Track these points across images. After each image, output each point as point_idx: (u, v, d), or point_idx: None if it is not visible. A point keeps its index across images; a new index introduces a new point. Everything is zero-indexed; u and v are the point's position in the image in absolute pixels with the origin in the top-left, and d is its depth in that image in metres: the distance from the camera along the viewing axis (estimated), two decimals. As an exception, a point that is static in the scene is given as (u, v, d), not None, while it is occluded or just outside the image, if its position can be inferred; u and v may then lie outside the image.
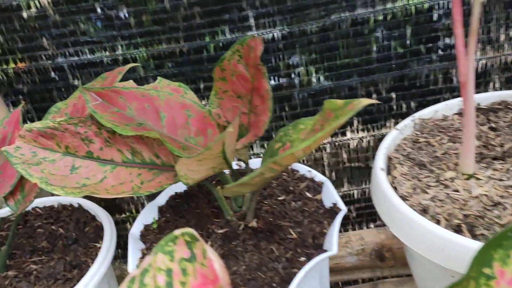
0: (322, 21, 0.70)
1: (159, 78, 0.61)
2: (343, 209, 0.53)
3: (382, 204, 0.49)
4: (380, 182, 0.50)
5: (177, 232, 0.30)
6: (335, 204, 0.55)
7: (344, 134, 0.79)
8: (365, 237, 0.71)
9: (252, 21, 0.71)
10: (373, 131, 0.79)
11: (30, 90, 0.79)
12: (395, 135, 0.58)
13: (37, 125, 0.47)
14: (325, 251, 0.49)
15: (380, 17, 0.70)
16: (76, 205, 0.68)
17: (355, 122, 0.78)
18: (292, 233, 0.53)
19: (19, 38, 0.74)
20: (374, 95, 0.76)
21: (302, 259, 0.49)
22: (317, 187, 0.59)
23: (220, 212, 0.58)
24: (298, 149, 0.37)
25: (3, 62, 0.76)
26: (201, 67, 0.75)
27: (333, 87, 0.75)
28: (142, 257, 0.54)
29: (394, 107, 0.77)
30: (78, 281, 0.55)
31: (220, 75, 0.52)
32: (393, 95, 0.76)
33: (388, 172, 0.53)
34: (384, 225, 0.84)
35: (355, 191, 0.83)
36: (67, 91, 0.79)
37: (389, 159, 0.55)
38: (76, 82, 0.78)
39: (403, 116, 0.78)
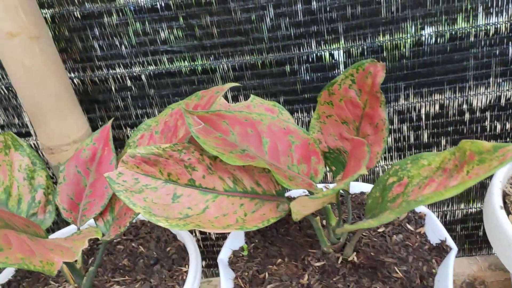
0: (417, 35, 0.66)
1: (252, 96, 0.58)
2: (454, 248, 0.49)
3: (507, 249, 0.45)
4: (503, 224, 0.45)
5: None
6: (443, 241, 0.51)
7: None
8: (455, 267, 0.67)
9: (341, 34, 0.67)
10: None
11: (106, 98, 0.77)
12: (509, 166, 0.53)
13: (140, 151, 0.45)
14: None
15: (482, 32, 0.65)
16: (155, 222, 0.66)
17: (443, 142, 0.74)
18: (397, 271, 0.49)
19: (98, 46, 0.73)
20: (467, 114, 0.71)
21: (414, 303, 0.45)
22: (418, 219, 0.55)
23: (314, 242, 0.55)
24: (448, 193, 0.33)
25: (80, 70, 0.75)
26: (282, 80, 0.72)
27: (422, 104, 0.71)
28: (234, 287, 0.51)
29: (487, 127, 0.72)
30: (166, 307, 0.53)
31: (326, 99, 0.49)
32: (487, 114, 0.71)
33: (507, 210, 0.48)
34: (473, 254, 0.80)
35: (436, 213, 0.79)
36: (142, 100, 0.77)
37: (505, 194, 0.50)
38: (152, 92, 0.76)
39: (496, 138, 0.73)
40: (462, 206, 0.79)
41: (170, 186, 0.46)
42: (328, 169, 0.52)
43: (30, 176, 0.56)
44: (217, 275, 0.90)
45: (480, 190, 0.78)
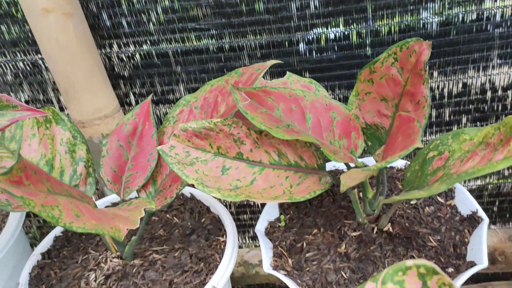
0: (444, 15, 0.67)
1: (288, 73, 0.59)
2: (485, 218, 0.52)
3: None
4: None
5: (409, 262, 0.29)
6: (474, 212, 0.53)
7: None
8: (475, 239, 0.70)
9: (369, 13, 0.69)
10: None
11: (132, 74, 0.78)
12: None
13: (192, 125, 0.46)
14: (473, 262, 0.48)
15: (508, 13, 0.67)
16: (188, 195, 0.68)
17: (464, 120, 0.76)
18: (431, 240, 0.52)
19: (126, 23, 0.74)
20: (489, 93, 0.73)
21: (450, 270, 0.48)
22: (448, 192, 0.57)
23: (349, 213, 0.57)
24: (500, 165, 0.35)
25: (107, 46, 0.76)
26: (309, 59, 0.74)
27: (446, 83, 0.73)
28: (274, 256, 0.54)
29: (509, 106, 0.74)
30: (207, 274, 0.55)
31: (367, 77, 0.51)
32: (509, 93, 0.73)
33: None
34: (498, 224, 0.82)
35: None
36: (168, 77, 0.78)
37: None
38: (178, 69, 0.77)
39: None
40: (479, 182, 0.82)
41: (219, 159, 0.48)
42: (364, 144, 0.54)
43: (71, 149, 0.58)
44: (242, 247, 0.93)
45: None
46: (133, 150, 0.57)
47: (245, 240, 0.93)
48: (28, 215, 0.91)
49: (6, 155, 0.57)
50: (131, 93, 0.81)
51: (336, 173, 0.64)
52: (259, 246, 0.89)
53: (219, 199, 0.66)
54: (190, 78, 0.78)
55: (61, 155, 0.57)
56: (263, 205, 0.88)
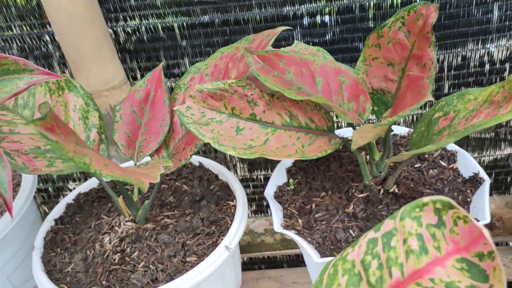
0: (445, -12, 0.69)
1: (296, 41, 0.61)
2: (487, 179, 0.54)
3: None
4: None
5: (426, 199, 0.31)
6: (476, 174, 0.56)
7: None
8: (474, 206, 0.72)
9: (372, -14, 0.70)
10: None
11: (137, 48, 0.79)
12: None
13: (207, 86, 0.48)
14: (476, 220, 0.50)
15: (507, -14, 0.69)
16: (196, 163, 0.70)
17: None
18: (436, 200, 0.54)
19: (132, -5, 0.74)
20: (487, 66, 0.75)
21: (454, 226, 0.50)
22: (450, 156, 0.59)
23: (355, 176, 0.59)
24: (505, 117, 0.37)
25: (113, 19, 0.77)
26: (313, 32, 0.75)
27: (446, 56, 0.75)
28: (284, 217, 0.56)
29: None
30: (219, 236, 0.57)
31: (374, 42, 0.52)
32: (507, 66, 0.75)
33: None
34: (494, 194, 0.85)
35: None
36: (173, 51, 0.79)
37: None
38: (184, 43, 0.78)
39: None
40: (476, 154, 0.84)
41: (234, 120, 0.49)
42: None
43: (84, 116, 0.59)
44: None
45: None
46: (146, 115, 0.58)
47: (250, 215, 0.95)
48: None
49: (20, 122, 0.59)
50: (136, 67, 0.82)
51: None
52: (264, 216, 0.91)
53: (227, 168, 0.68)
54: (195, 52, 0.79)
55: (74, 122, 0.58)
56: (266, 178, 0.90)
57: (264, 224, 0.81)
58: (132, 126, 0.58)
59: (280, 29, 0.55)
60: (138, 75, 0.82)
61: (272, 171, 0.90)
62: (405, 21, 0.50)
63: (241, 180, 0.91)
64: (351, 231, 0.52)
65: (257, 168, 0.91)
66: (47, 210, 0.99)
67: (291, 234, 0.52)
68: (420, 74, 0.45)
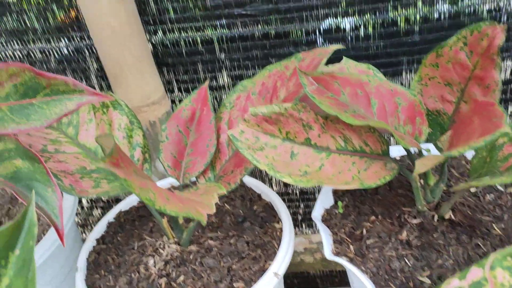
0: (495, 1, 0.66)
1: (345, 58, 0.59)
2: (550, 207, 0.52)
3: None
4: None
5: (519, 246, 0.29)
6: (537, 200, 0.53)
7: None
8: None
9: (420, -1, 0.68)
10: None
11: (175, 61, 0.78)
12: None
13: (262, 110, 0.46)
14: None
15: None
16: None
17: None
18: (495, 228, 0.51)
19: (172, 8, 0.73)
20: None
21: (518, 257, 0.48)
22: (507, 180, 0.57)
23: (406, 202, 0.57)
24: None
25: (152, 32, 0.76)
26: (355, 46, 0.73)
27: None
28: (334, 243, 0.54)
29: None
30: (266, 261, 0.55)
31: (432, 61, 0.50)
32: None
33: None
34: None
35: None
36: (211, 64, 0.78)
37: None
38: (222, 56, 0.77)
39: None
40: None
41: (288, 145, 0.48)
42: (424, 130, 0.54)
43: (129, 134, 0.58)
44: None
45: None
46: (191, 135, 0.57)
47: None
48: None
49: (65, 140, 0.58)
50: (174, 80, 0.81)
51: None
52: (303, 234, 0.89)
53: (263, 181, 0.67)
54: (233, 65, 0.78)
55: (119, 140, 0.57)
56: (302, 193, 0.89)
57: (304, 242, 0.80)
58: (178, 147, 0.57)
59: (333, 48, 0.53)
60: (175, 89, 0.81)
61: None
62: (467, 41, 0.48)
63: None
64: (406, 260, 0.50)
65: (293, 182, 0.89)
66: (80, 221, 0.98)
67: (344, 263, 0.50)
68: (489, 100, 0.43)
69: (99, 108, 0.59)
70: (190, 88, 0.81)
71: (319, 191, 0.82)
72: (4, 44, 0.79)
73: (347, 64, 0.58)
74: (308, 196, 0.89)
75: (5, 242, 0.37)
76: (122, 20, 0.65)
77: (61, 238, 0.44)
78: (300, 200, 0.90)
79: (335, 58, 0.61)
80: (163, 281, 0.54)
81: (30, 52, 0.79)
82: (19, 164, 0.48)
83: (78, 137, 0.58)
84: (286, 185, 0.89)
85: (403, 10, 0.69)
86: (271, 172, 0.45)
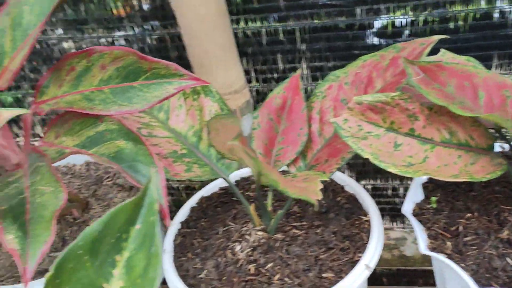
0: None
1: (442, 50, 0.57)
2: None
3: None
4: None
5: None
6: None
7: None
8: None
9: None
10: None
11: (255, 51, 0.78)
12: None
13: (367, 98, 0.45)
14: None
15: None
16: (319, 173, 0.67)
17: None
18: None
19: (256, -2, 0.73)
20: None
21: None
22: None
23: (505, 199, 0.54)
24: None
25: (234, 22, 0.76)
26: (443, 39, 0.71)
27: None
28: (429, 238, 0.52)
29: None
30: (355, 253, 0.55)
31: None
32: None
33: None
34: None
35: None
36: (292, 55, 0.78)
37: None
38: (303, 46, 0.77)
39: None
40: None
41: (391, 135, 0.47)
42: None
43: (219, 121, 0.58)
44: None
45: None
46: (282, 123, 0.57)
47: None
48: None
49: (156, 124, 0.59)
50: (252, 70, 0.81)
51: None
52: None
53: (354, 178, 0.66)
54: (314, 56, 0.77)
55: (209, 127, 0.58)
56: (374, 188, 0.87)
57: (380, 238, 0.78)
58: (269, 134, 0.57)
59: (436, 38, 0.51)
60: (253, 79, 0.81)
61: (381, 181, 0.87)
62: None
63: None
64: (508, 260, 0.48)
65: (365, 177, 0.87)
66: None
67: (442, 258, 0.49)
68: None
69: (189, 94, 0.59)
70: (268, 78, 0.81)
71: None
72: (90, 31, 0.82)
73: (445, 56, 0.56)
74: (380, 193, 0.87)
75: (127, 218, 0.38)
76: (212, 9, 0.66)
77: (165, 218, 0.45)
78: (374, 196, 0.88)
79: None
80: (251, 267, 0.54)
81: (115, 41, 0.81)
82: (121, 145, 0.50)
83: (169, 121, 0.59)
84: (358, 180, 0.87)
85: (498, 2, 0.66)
86: (375, 161, 0.44)
